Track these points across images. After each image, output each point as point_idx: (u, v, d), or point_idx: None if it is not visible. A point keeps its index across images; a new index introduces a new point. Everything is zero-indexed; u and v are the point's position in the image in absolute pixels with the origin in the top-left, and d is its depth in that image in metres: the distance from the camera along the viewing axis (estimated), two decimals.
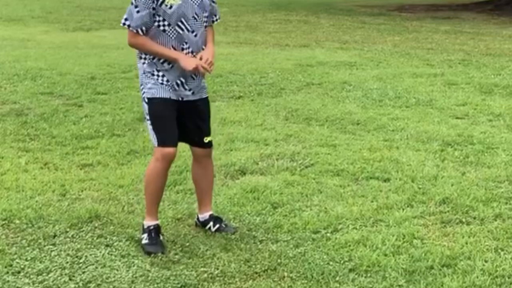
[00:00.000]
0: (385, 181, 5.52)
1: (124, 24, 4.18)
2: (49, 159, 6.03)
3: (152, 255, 4.17)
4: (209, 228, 4.52)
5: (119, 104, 8.17)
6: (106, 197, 5.11)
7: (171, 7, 4.13)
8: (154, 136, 4.24)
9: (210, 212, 4.60)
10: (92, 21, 18.28)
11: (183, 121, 4.33)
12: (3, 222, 4.64)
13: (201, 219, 4.58)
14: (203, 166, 4.52)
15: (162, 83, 4.22)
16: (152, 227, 4.32)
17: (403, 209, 4.91)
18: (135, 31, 4.15)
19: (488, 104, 8.25)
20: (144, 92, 4.24)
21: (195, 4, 4.24)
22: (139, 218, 4.71)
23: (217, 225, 4.52)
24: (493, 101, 8.47)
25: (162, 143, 4.22)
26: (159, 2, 4.12)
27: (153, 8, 4.13)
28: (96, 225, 4.61)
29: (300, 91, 9.10)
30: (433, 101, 8.45)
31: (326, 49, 13.28)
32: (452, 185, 5.39)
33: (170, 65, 4.21)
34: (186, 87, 4.30)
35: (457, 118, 7.66)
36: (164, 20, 4.15)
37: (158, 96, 4.20)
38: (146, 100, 4.24)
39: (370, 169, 5.76)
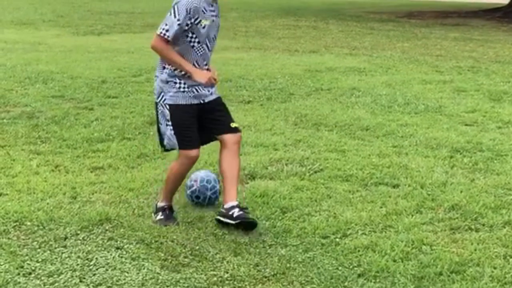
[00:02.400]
0: (394, 187, 5.54)
1: (162, 32, 4.47)
2: (60, 161, 6.07)
3: (167, 224, 4.61)
4: (232, 214, 4.55)
5: (130, 108, 8.22)
6: (116, 200, 5.14)
7: (204, 27, 4.53)
8: (175, 140, 4.61)
9: (236, 202, 4.63)
10: (103, 25, 18.38)
11: (209, 117, 4.70)
12: (15, 224, 4.67)
13: (225, 206, 4.62)
14: (233, 153, 4.69)
15: (183, 91, 4.58)
16: (166, 206, 4.77)
17: (412, 215, 4.92)
18: (170, 39, 4.48)
19: (497, 112, 8.26)
20: (165, 99, 4.59)
21: (216, 26, 4.65)
22: (149, 221, 4.75)
23: (241, 212, 4.56)
24: (502, 108, 8.47)
25: (186, 146, 4.61)
26: (196, 21, 4.48)
27: (187, 25, 4.47)
28: (107, 227, 4.64)
29: (309, 97, 9.13)
30: (442, 107, 8.47)
31: (335, 55, 13.31)
32: (461, 191, 5.40)
33: (188, 75, 4.58)
34: (206, 89, 4.65)
35: (466, 125, 7.67)
36: (196, 37, 4.54)
37: (180, 103, 4.58)
38: (168, 107, 4.59)
39: (379, 175, 5.78)
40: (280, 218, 4.86)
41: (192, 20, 4.45)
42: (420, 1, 32.79)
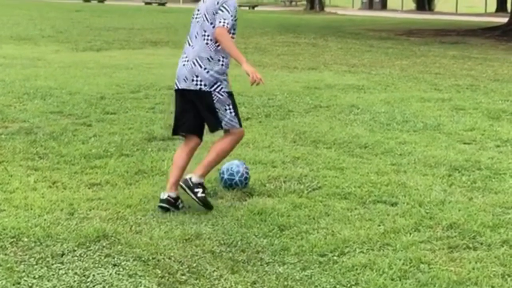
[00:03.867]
0: (392, 205, 5.52)
1: (224, 24, 5.13)
2: (57, 178, 6.06)
3: (209, 206, 5.21)
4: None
5: (128, 124, 8.21)
6: (114, 217, 5.13)
7: (236, 19, 5.27)
8: (236, 120, 5.31)
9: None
10: (102, 41, 18.43)
11: None
12: (12, 240, 4.65)
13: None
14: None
15: (228, 83, 5.35)
16: (203, 183, 5.28)
17: (410, 234, 4.90)
18: (232, 29, 5.21)
19: (495, 130, 8.27)
20: (222, 88, 5.26)
21: None
22: (146, 238, 4.73)
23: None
24: (501, 126, 8.48)
25: (241, 124, 5.40)
26: (235, 18, 5.25)
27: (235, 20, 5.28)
28: (104, 244, 4.62)
29: (308, 114, 9.14)
30: (441, 125, 8.47)
31: (334, 72, 13.35)
32: (459, 210, 5.39)
33: (228, 69, 5.31)
34: None
35: (464, 143, 7.67)
36: (235, 30, 5.28)
37: (231, 90, 5.34)
38: (226, 94, 5.28)
39: (378, 193, 5.77)
40: (278, 235, 4.85)
41: (235, 17, 5.22)
42: (419, 19, 32.92)
